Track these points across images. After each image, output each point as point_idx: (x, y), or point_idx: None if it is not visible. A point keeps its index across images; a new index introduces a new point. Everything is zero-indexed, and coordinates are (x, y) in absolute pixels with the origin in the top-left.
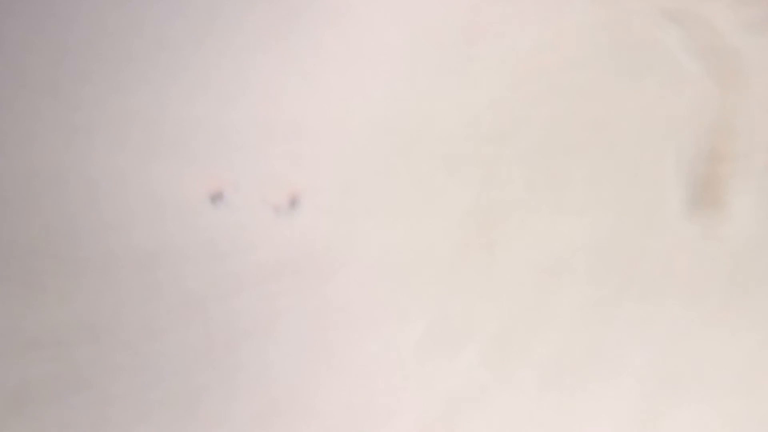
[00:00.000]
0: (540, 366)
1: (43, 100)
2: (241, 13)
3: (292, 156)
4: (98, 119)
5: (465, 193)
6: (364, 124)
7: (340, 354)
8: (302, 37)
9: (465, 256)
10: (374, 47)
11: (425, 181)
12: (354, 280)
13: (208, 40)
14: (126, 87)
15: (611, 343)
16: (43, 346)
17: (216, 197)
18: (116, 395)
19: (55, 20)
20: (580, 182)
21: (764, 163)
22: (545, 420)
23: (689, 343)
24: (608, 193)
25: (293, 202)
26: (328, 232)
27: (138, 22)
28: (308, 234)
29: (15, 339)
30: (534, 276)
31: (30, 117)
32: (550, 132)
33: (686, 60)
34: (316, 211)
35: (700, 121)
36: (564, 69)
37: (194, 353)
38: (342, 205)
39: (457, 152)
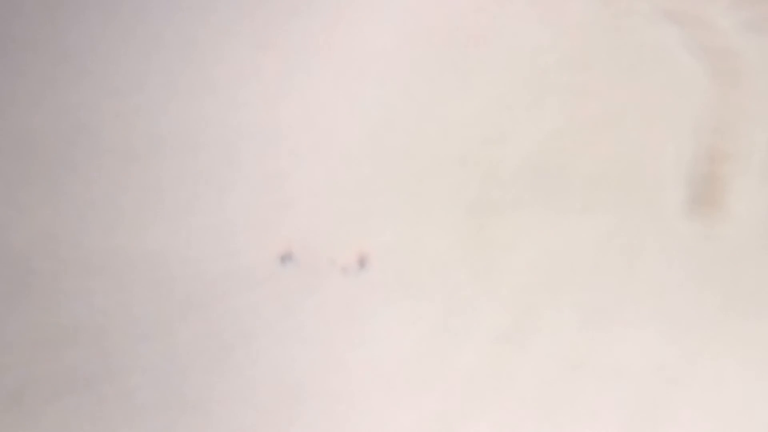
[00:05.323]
0: (539, 366)
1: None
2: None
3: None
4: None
5: (465, 193)
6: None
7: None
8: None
9: (465, 256)
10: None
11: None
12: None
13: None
14: (193, 146)
15: (611, 343)
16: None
17: (286, 258)
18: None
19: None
20: (580, 182)
21: (764, 163)
22: (545, 419)
23: (689, 342)
24: (608, 193)
25: (361, 262)
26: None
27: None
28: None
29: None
30: (534, 276)
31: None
32: (549, 132)
33: (686, 60)
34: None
35: (700, 121)
36: (564, 69)
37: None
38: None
39: (458, 152)
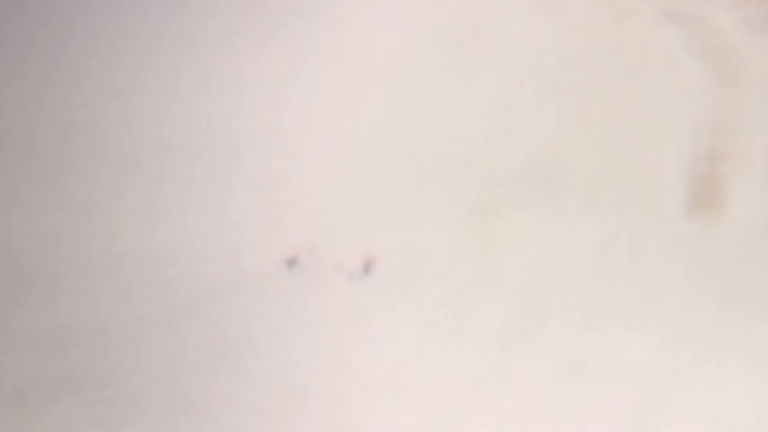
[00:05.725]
0: (540, 366)
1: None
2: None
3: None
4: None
5: (465, 193)
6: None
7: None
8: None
9: (465, 256)
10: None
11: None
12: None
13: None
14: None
15: (610, 342)
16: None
17: (292, 262)
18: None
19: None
20: (582, 183)
21: (764, 163)
22: (546, 419)
23: (689, 342)
24: (609, 194)
25: (367, 266)
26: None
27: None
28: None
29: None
30: (534, 276)
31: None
32: (549, 132)
33: (686, 60)
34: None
35: (700, 121)
36: (566, 69)
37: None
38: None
39: (460, 153)
